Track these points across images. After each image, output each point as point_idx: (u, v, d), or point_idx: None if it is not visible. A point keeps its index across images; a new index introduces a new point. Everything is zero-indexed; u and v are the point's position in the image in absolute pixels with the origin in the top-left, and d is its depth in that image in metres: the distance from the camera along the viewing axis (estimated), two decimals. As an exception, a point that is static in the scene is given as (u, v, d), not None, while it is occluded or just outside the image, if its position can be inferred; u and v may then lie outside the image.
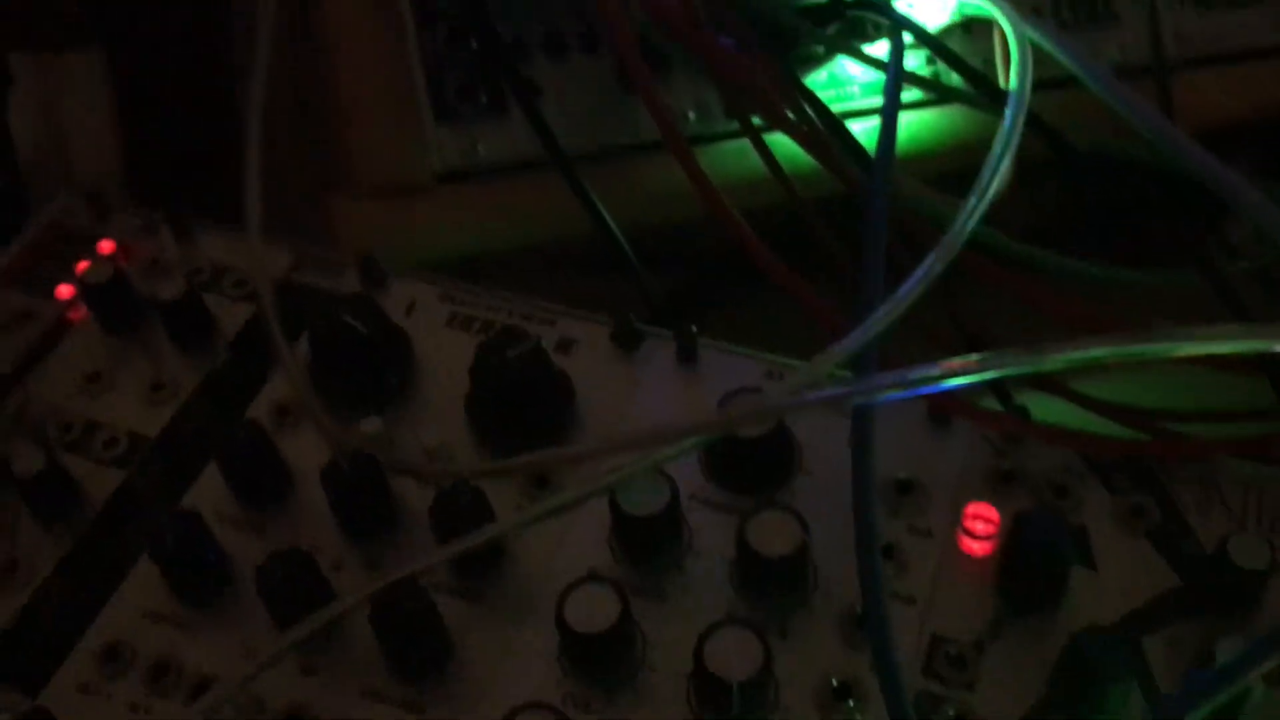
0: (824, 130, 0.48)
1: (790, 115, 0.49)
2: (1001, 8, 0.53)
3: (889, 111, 0.47)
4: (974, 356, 0.32)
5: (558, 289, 0.54)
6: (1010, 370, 0.32)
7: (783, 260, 0.47)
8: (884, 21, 0.55)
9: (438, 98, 0.56)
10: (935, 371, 0.32)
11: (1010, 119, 0.44)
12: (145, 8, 0.66)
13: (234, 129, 0.53)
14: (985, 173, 0.42)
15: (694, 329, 0.47)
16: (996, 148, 0.43)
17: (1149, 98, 0.65)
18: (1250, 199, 0.41)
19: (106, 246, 0.55)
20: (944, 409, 0.43)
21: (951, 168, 0.57)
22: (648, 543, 0.40)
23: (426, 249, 0.56)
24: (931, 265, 0.40)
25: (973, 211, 0.41)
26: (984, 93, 0.51)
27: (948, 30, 0.60)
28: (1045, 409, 0.45)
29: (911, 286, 0.39)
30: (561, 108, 0.58)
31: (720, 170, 0.57)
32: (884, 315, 0.39)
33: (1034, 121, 0.48)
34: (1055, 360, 0.32)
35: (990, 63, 0.61)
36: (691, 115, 0.59)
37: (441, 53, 0.57)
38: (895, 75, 0.48)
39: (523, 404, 0.43)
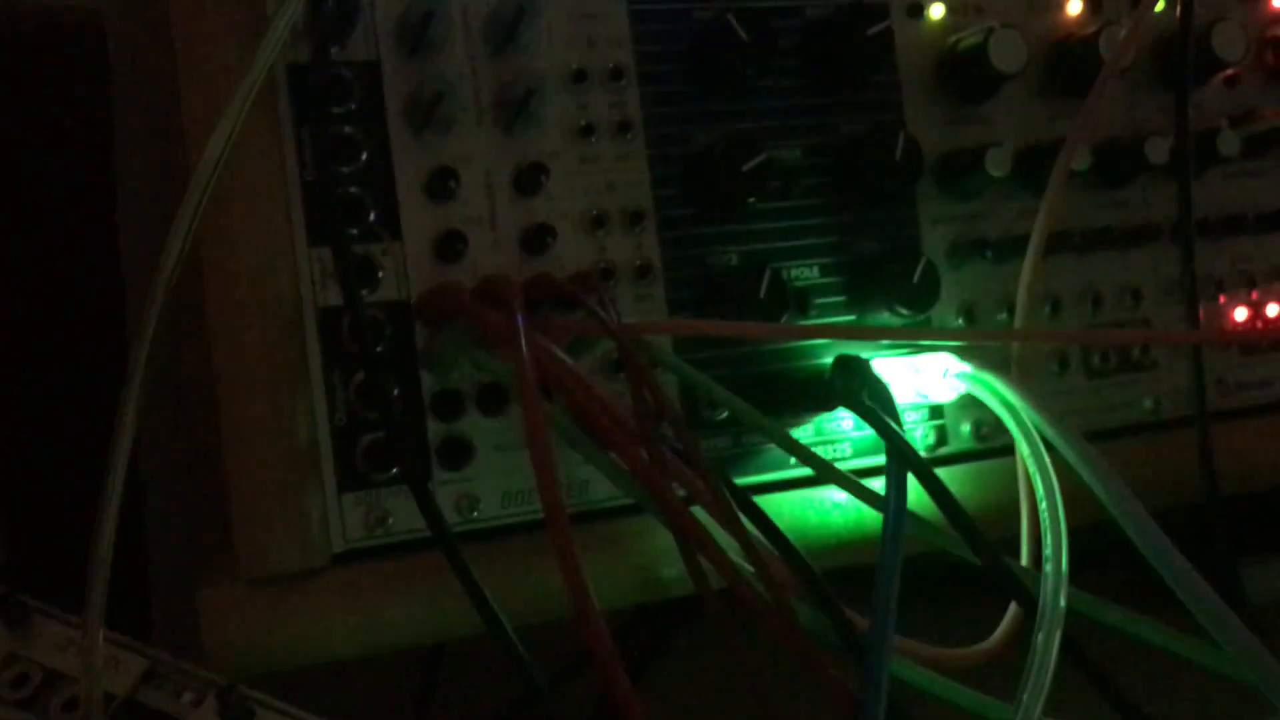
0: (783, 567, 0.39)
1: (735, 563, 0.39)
2: (1013, 410, 0.44)
3: (887, 569, 0.37)
4: None
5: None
6: None
7: None
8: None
9: (343, 459, 0.47)
10: None
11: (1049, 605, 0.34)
12: (27, 289, 0.57)
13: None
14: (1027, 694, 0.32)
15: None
16: (1037, 654, 0.33)
17: (1189, 450, 0.57)
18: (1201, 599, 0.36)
19: (-81, 632, 0.44)
20: None
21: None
22: None
23: (318, 649, 0.46)
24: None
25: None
26: (999, 573, 0.40)
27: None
28: None
29: None
30: (496, 468, 0.49)
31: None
32: None
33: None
34: None
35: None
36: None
37: (351, 405, 0.47)
38: (896, 522, 0.38)
39: None
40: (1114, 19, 0.58)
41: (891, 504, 0.38)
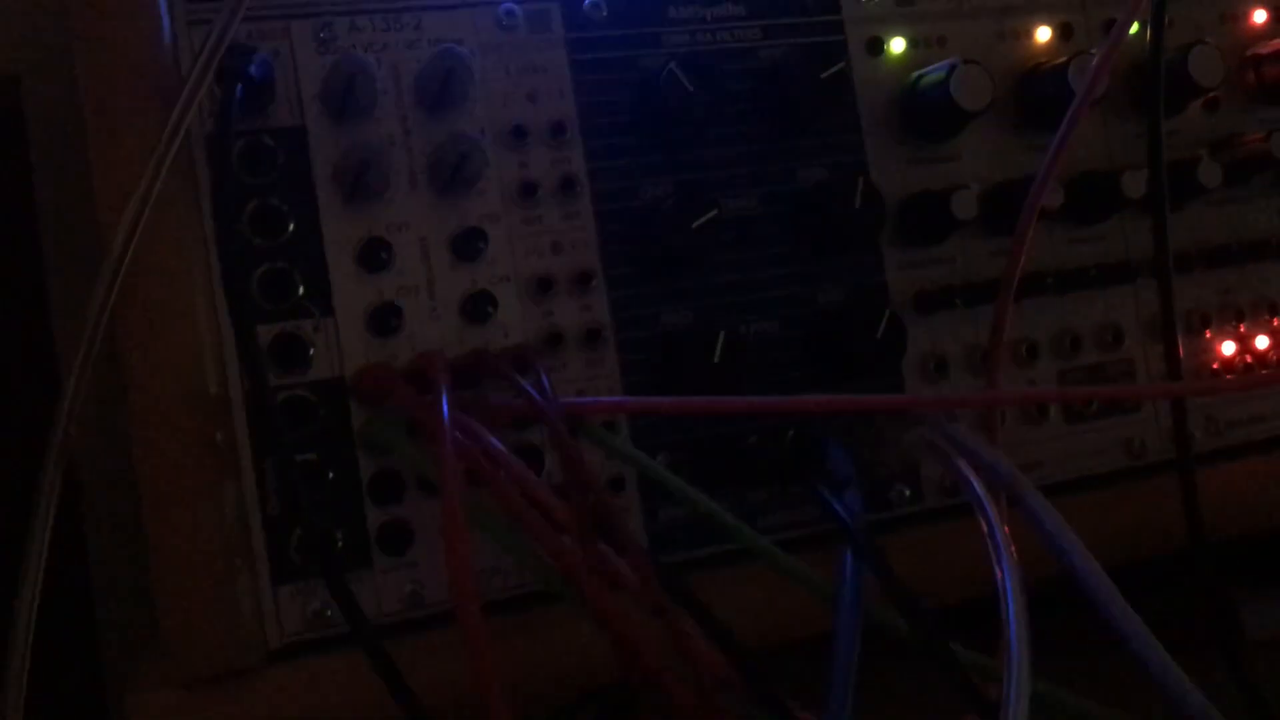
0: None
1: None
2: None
3: (841, 669, 0.35)
4: None
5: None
6: None
7: None
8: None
9: (278, 550, 0.44)
10: None
11: None
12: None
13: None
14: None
15: None
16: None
17: (1173, 492, 0.54)
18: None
19: None
20: None
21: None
22: None
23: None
24: None
25: None
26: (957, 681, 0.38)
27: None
28: None
29: None
30: (440, 552, 0.46)
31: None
32: None
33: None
34: None
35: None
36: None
37: (285, 493, 0.45)
38: (849, 620, 0.35)
39: None
40: (1085, 48, 0.55)
41: (845, 600, 0.36)
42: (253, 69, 0.42)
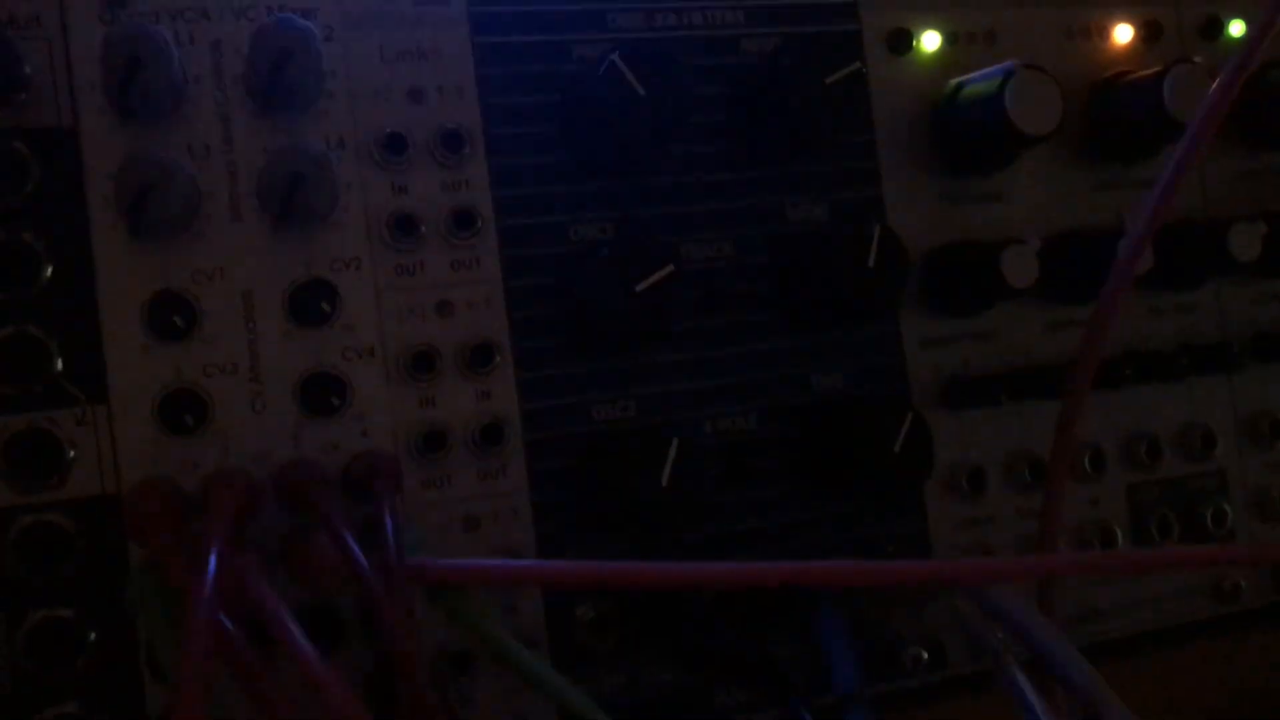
0: None
1: None
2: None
3: None
4: None
5: None
6: None
7: None
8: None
9: (7, 750, 0.30)
10: None
11: None
12: None
13: None
14: None
15: None
16: None
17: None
18: None
19: None
20: None
21: None
22: None
23: None
24: None
25: None
26: None
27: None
28: None
29: None
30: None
31: None
32: None
33: None
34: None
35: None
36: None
37: (19, 661, 0.30)
38: None
39: None
40: (1178, 54, 0.41)
41: None
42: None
